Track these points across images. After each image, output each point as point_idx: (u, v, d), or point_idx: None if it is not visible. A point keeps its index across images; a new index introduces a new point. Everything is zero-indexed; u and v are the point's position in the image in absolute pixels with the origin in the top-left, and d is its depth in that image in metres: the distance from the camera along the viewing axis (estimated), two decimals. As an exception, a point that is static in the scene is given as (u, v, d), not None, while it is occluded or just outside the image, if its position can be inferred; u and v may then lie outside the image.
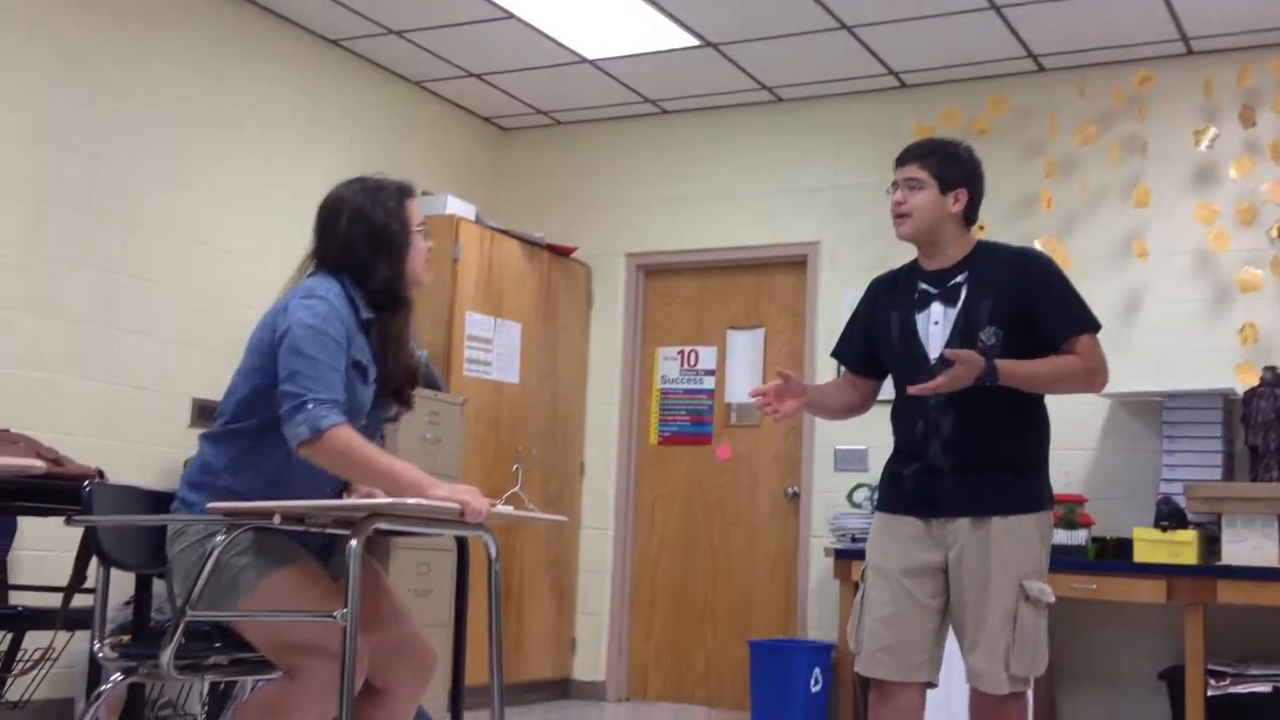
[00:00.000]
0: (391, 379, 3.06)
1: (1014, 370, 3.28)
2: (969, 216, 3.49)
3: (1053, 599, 3.33)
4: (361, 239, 3.01)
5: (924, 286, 3.47)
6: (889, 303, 3.54)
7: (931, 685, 3.38)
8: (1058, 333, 3.39)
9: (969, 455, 3.33)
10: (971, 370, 3.21)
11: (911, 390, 3.29)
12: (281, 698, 2.80)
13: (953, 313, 3.39)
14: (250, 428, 2.92)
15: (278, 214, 5.98)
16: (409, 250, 3.06)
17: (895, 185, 3.48)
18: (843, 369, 3.77)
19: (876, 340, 3.56)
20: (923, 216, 3.43)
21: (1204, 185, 5.92)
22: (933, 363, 3.35)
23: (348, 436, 2.80)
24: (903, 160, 3.50)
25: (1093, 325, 3.43)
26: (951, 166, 3.46)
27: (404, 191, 3.13)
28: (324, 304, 2.90)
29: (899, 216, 3.46)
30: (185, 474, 3.01)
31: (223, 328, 5.54)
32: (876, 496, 3.64)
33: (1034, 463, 3.43)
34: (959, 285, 3.42)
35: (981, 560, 3.29)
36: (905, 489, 3.42)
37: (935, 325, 3.41)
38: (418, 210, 3.14)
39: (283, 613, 2.80)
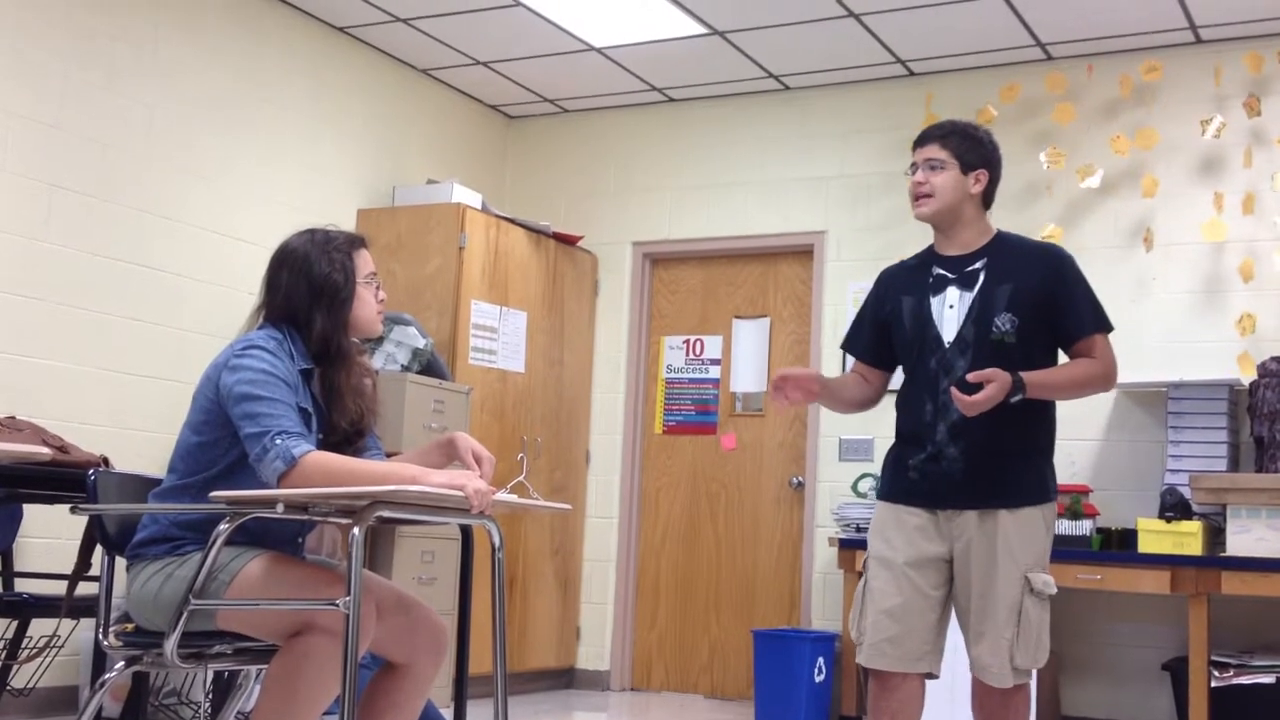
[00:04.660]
0: (335, 428, 3.05)
1: (1039, 380, 3.29)
2: (988, 199, 3.49)
3: (1054, 590, 3.33)
4: (302, 290, 3.01)
5: (940, 271, 3.46)
6: (901, 288, 3.52)
7: (933, 676, 3.37)
8: (1078, 330, 3.39)
9: (977, 439, 3.31)
10: (1002, 388, 3.21)
11: (956, 398, 3.22)
12: (288, 681, 2.79)
13: (969, 297, 3.38)
14: (196, 483, 2.92)
15: (286, 202, 5.99)
16: (352, 302, 3.05)
17: (915, 166, 3.46)
18: (852, 362, 3.73)
19: (889, 325, 3.53)
20: (944, 197, 3.41)
21: (1212, 175, 5.91)
22: (947, 347, 3.35)
23: (323, 456, 2.81)
24: (922, 141, 3.48)
25: (1108, 326, 3.44)
26: (972, 147, 3.45)
27: (354, 242, 3.12)
28: (263, 352, 2.90)
29: (920, 198, 3.44)
30: (138, 530, 3.00)
31: (230, 316, 5.49)
32: (879, 484, 3.62)
33: (1041, 449, 3.42)
34: (976, 271, 3.41)
35: (988, 553, 3.28)
36: (911, 479, 3.40)
37: (950, 309, 3.40)
38: (369, 261, 3.14)
39: (285, 600, 2.80)
